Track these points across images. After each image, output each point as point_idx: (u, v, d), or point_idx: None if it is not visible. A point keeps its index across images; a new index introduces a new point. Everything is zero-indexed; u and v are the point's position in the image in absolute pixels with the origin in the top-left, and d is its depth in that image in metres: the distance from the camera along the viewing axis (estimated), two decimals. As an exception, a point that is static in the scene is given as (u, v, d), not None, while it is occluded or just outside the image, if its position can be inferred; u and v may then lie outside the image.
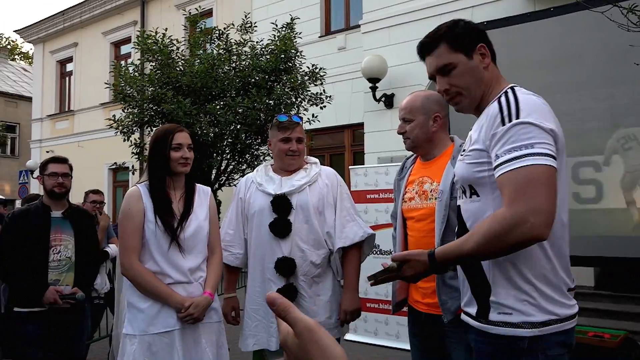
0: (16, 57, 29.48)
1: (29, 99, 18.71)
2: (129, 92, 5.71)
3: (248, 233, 2.34)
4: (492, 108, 1.37)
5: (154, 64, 5.71)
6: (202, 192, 2.27)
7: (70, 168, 3.15)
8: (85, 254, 3.07)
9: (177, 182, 2.20)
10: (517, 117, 1.27)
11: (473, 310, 1.45)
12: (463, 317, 1.47)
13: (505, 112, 1.30)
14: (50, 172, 3.01)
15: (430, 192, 1.99)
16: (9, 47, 28.69)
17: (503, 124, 1.29)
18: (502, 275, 1.36)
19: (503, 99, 1.35)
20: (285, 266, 2.22)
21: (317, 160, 2.47)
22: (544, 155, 1.23)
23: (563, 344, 1.37)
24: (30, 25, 16.50)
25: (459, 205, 1.53)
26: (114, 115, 5.84)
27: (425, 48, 1.49)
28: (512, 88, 1.39)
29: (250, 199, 2.35)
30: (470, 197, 1.45)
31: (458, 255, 1.39)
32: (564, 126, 1.40)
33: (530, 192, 1.22)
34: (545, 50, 3.77)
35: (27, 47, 31.80)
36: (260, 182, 2.35)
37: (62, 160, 3.13)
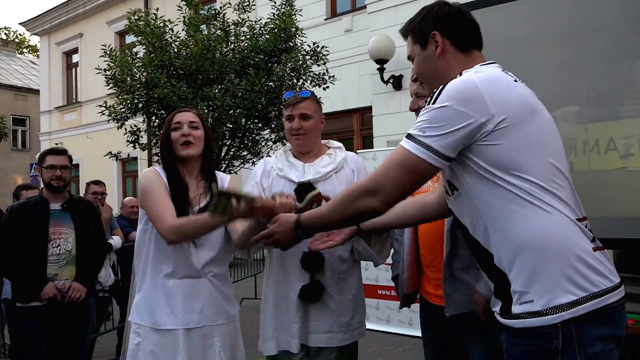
0: (24, 50, 29.55)
1: (37, 92, 18.73)
2: (119, 77, 5.54)
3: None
4: None
5: (146, 46, 5.53)
6: (221, 181, 2.10)
7: (70, 160, 3.05)
8: (87, 246, 2.99)
9: (190, 169, 2.02)
10: (434, 102, 1.28)
11: (498, 307, 1.33)
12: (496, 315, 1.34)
13: (430, 97, 1.31)
14: (48, 165, 2.93)
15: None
16: (16, 40, 28.76)
17: (426, 104, 1.32)
18: (512, 257, 1.24)
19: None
20: (313, 261, 2.01)
21: (341, 144, 2.24)
22: (424, 145, 1.26)
23: (606, 339, 1.20)
24: (35, 17, 16.45)
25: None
26: (105, 102, 5.72)
27: (403, 36, 1.54)
28: (460, 73, 1.34)
29: (271, 186, 2.12)
30: (452, 193, 1.37)
31: (319, 219, 1.47)
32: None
33: (389, 171, 1.30)
34: (563, 22, 3.56)
35: (35, 40, 31.92)
36: (282, 167, 2.14)
37: (61, 152, 3.02)
